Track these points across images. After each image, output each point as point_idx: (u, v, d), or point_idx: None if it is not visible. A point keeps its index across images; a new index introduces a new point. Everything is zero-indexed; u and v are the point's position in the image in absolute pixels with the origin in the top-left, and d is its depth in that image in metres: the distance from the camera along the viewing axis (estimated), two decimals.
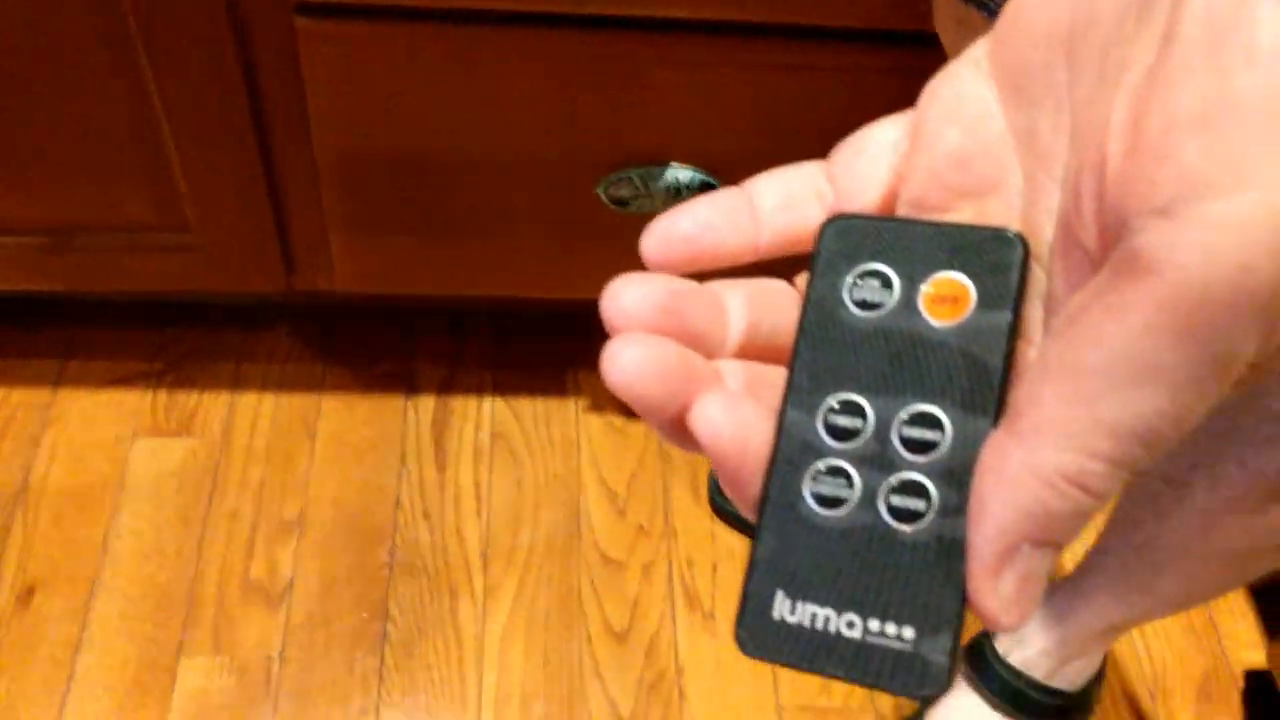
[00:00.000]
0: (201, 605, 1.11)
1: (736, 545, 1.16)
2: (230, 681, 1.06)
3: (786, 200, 0.31)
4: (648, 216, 1.04)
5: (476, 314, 1.34)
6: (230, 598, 1.11)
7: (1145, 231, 0.22)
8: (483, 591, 1.12)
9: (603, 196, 1.01)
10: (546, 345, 1.31)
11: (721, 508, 1.17)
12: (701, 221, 0.30)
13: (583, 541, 1.16)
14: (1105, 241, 0.24)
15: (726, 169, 1.00)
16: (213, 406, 1.25)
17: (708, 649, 1.10)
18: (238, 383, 1.27)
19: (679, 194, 1.00)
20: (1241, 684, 1.10)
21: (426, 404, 1.26)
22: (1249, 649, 1.13)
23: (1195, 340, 0.22)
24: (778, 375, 0.29)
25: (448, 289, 1.17)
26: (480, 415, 1.25)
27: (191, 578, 1.12)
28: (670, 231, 0.29)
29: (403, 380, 1.28)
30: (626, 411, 1.24)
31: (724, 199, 0.30)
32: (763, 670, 1.08)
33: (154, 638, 1.08)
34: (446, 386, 1.28)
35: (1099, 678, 1.02)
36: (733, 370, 0.29)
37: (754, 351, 0.30)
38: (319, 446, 1.22)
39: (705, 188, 1.00)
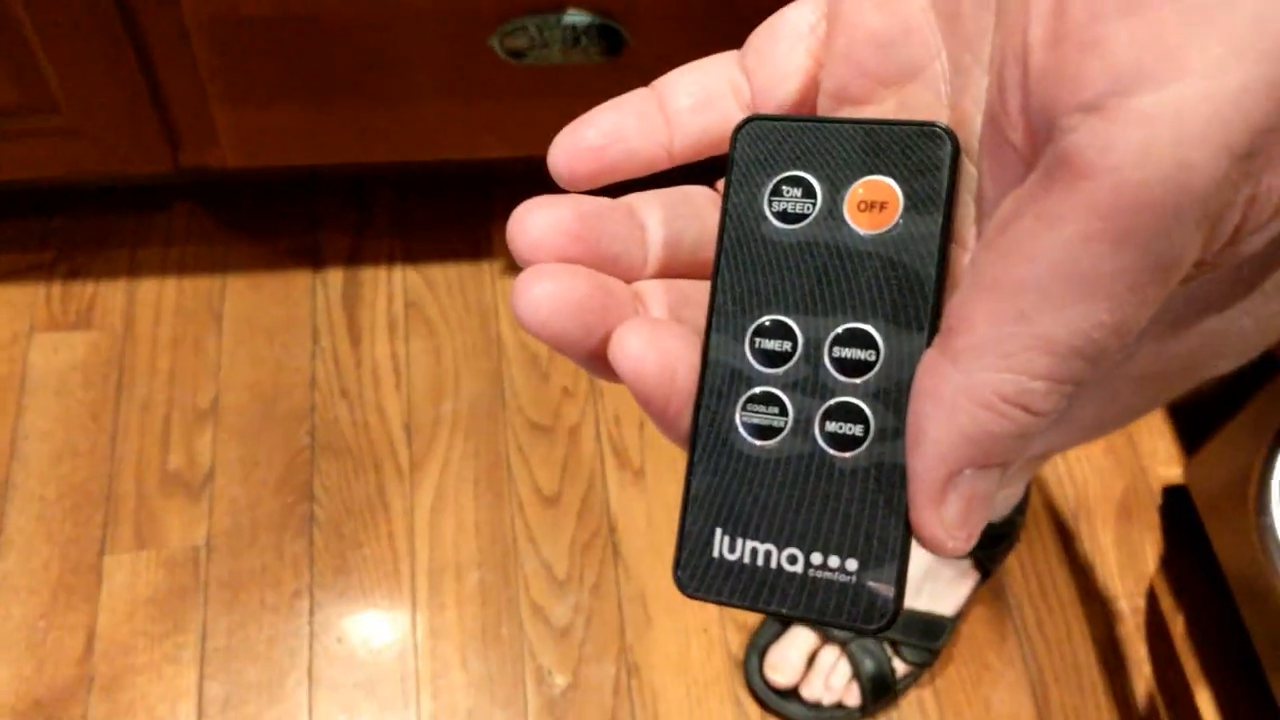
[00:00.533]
0: (121, 501, 1.08)
1: None
2: (158, 575, 1.05)
3: (700, 98, 0.28)
4: (547, 68, 0.99)
5: (380, 180, 1.29)
6: (150, 491, 1.09)
7: (1075, 131, 0.20)
8: (408, 466, 1.11)
9: (498, 49, 0.96)
10: (455, 207, 1.27)
11: None
12: (608, 130, 0.27)
13: (507, 408, 1.15)
14: (1034, 140, 0.22)
15: (626, 11, 0.95)
16: (111, 295, 1.20)
17: (639, 506, 1.10)
18: (135, 269, 1.22)
19: (578, 41, 0.95)
20: (1160, 501, 1.13)
21: (335, 278, 1.22)
22: (1167, 466, 1.16)
23: (1135, 246, 0.20)
24: (704, 293, 0.27)
25: (344, 157, 1.11)
26: (392, 286, 1.21)
27: (108, 474, 1.09)
28: (576, 144, 0.27)
29: (308, 254, 1.23)
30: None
31: (631, 102, 0.28)
32: None
33: (75, 538, 1.06)
34: (354, 258, 1.23)
35: (1023, 506, 1.04)
36: (655, 292, 0.27)
37: (678, 268, 0.28)
38: (227, 329, 1.18)
39: (606, 34, 0.95)
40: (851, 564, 0.25)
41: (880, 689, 0.99)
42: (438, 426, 1.13)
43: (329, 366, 1.16)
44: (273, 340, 1.18)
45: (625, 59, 0.97)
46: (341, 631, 1.03)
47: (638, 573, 1.07)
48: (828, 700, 0.99)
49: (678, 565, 0.26)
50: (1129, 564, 1.10)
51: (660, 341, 0.25)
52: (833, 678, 0.99)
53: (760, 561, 0.25)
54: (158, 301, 1.20)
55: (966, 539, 0.24)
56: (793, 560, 0.25)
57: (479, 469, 1.11)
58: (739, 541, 0.26)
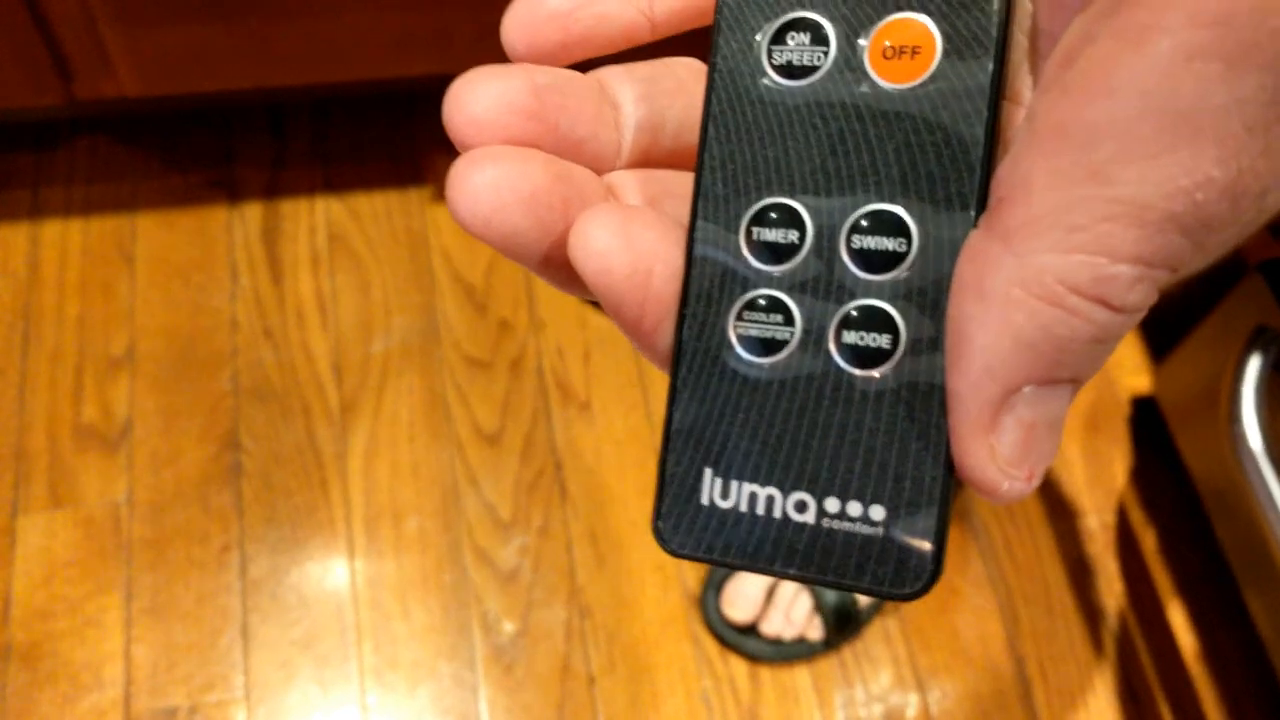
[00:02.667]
0: (33, 458, 1.01)
1: (610, 330, 1.09)
2: (76, 535, 0.98)
3: None
4: None
5: (298, 106, 1.20)
6: (63, 446, 1.02)
7: None
8: (339, 408, 1.05)
9: None
10: (379, 132, 1.19)
11: None
12: None
13: (442, 344, 1.08)
14: None
15: None
16: (13, 239, 1.12)
17: (586, 440, 1.04)
18: (37, 210, 1.14)
19: None
20: (1128, 412, 1.09)
21: (253, 211, 1.14)
22: (1135, 375, 1.11)
23: (1257, 67, 0.15)
24: (690, 184, 0.22)
25: (255, 81, 1.03)
26: (314, 217, 1.14)
27: (17, 430, 1.02)
28: (535, 9, 0.21)
29: (223, 188, 1.16)
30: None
31: None
32: (645, 454, 1.03)
33: None
34: (272, 190, 1.16)
35: None
36: (629, 184, 0.22)
37: (659, 155, 0.22)
38: (139, 271, 1.11)
39: None
40: (877, 512, 0.19)
41: (843, 620, 0.95)
42: (369, 365, 1.07)
43: (250, 307, 1.09)
44: (188, 281, 1.10)
45: None
46: (275, 586, 0.97)
47: (586, 511, 1.01)
48: (789, 634, 0.94)
49: (658, 515, 0.21)
50: (1098, 478, 1.07)
51: (633, 233, 0.20)
52: (793, 611, 0.95)
53: (761, 510, 0.20)
54: (63, 244, 1.12)
55: (1027, 478, 0.18)
56: (802, 508, 0.20)
57: (414, 408, 1.05)
58: (734, 485, 0.20)
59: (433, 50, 1.02)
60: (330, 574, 0.98)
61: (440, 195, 1.15)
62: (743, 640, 0.95)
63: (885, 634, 0.98)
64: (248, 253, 1.12)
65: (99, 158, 1.16)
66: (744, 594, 0.95)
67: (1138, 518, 1.04)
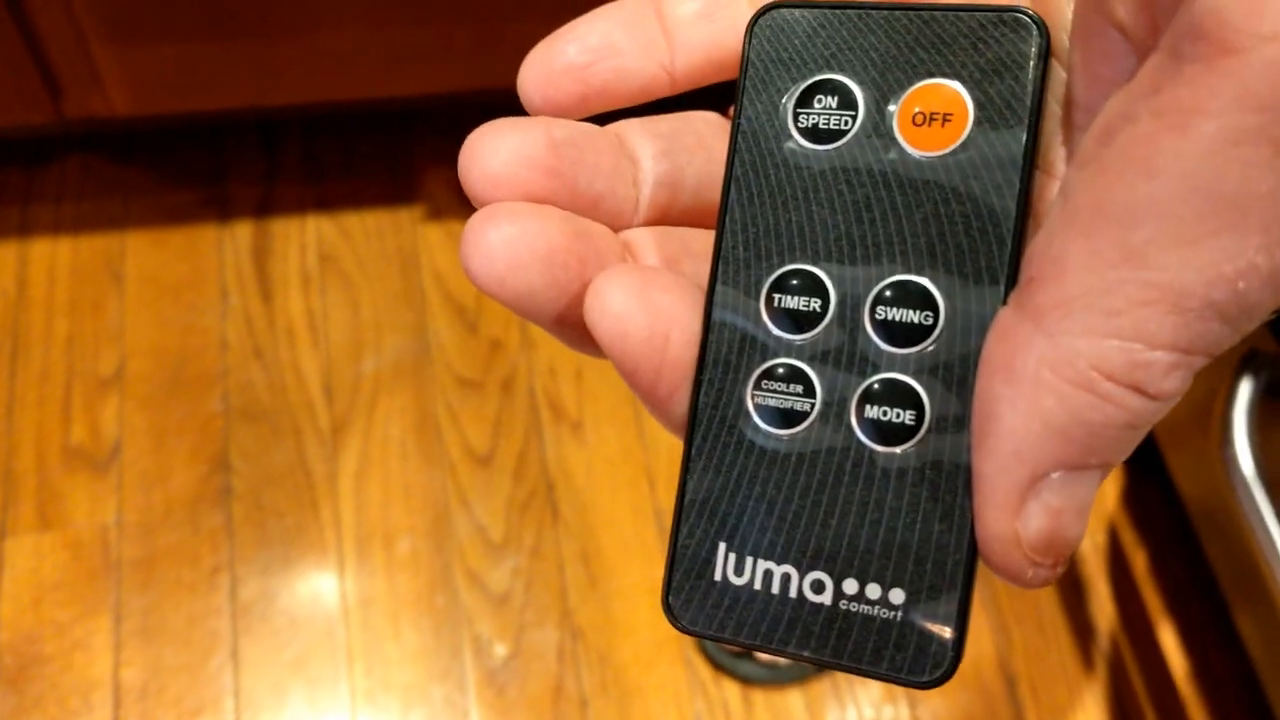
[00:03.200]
0: (20, 479, 1.01)
1: None
2: (64, 557, 0.98)
3: (708, 6, 0.22)
4: None
5: (289, 124, 1.20)
6: (52, 467, 1.01)
7: None
8: (330, 429, 1.04)
9: None
10: (371, 150, 1.19)
11: None
12: (595, 44, 0.21)
13: (434, 363, 1.08)
14: (1151, 12, 0.16)
15: None
16: (1, 257, 1.11)
17: (578, 460, 1.04)
18: (26, 228, 1.13)
19: None
20: None
21: (243, 230, 1.14)
22: None
23: None
24: (709, 242, 0.21)
25: (247, 100, 1.03)
26: (305, 236, 1.13)
27: (5, 450, 1.02)
28: (553, 61, 0.21)
29: (214, 206, 1.15)
30: (469, 215, 1.14)
31: (622, 10, 0.22)
32: (638, 474, 1.03)
33: None
34: (264, 208, 1.15)
35: None
36: (647, 242, 0.21)
37: (678, 213, 0.22)
38: (129, 289, 1.10)
39: None
40: (897, 595, 0.19)
41: None
42: (360, 385, 1.06)
43: (240, 326, 1.09)
44: (179, 300, 1.10)
45: None
46: (266, 608, 0.97)
47: (578, 532, 1.01)
48: (783, 662, 0.94)
49: (668, 590, 0.21)
50: None
51: (650, 296, 0.20)
52: None
53: (776, 589, 0.20)
54: (52, 262, 1.11)
55: (1052, 565, 0.18)
56: (819, 588, 0.19)
57: (406, 429, 1.05)
58: (748, 561, 0.20)
59: (428, 69, 1.02)
60: (321, 596, 0.97)
61: (431, 215, 1.15)
62: (736, 663, 0.95)
63: None
64: (238, 271, 1.11)
65: (89, 175, 1.16)
66: None
67: (1129, 538, 1.04)
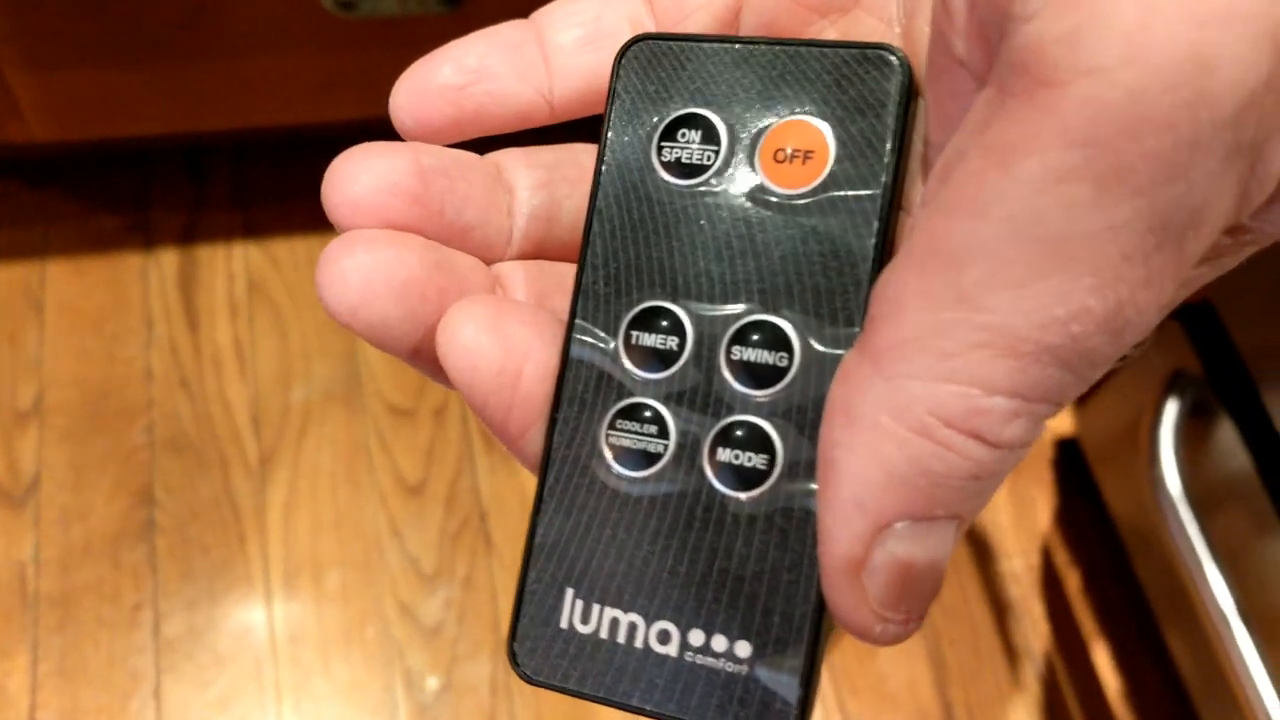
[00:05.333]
0: None
1: None
2: None
3: (590, 32, 0.21)
4: (382, 20, 0.91)
5: (216, 150, 1.18)
6: None
7: (1034, 18, 0.14)
8: (258, 460, 1.02)
9: (326, 1, 0.87)
10: (300, 177, 1.17)
11: None
12: (470, 66, 0.20)
13: (364, 392, 1.06)
14: (986, 47, 0.15)
15: None
16: None
17: (511, 490, 1.03)
18: None
19: None
20: (1052, 453, 1.11)
21: (169, 258, 1.11)
22: (1058, 417, 1.13)
23: (1129, 191, 0.14)
24: None
25: (167, 126, 1.01)
26: (232, 264, 1.11)
27: None
28: (427, 82, 0.20)
29: (138, 233, 1.13)
30: None
31: (501, 34, 0.21)
32: None
33: None
34: (190, 235, 1.13)
35: None
36: (517, 277, 0.21)
37: (553, 247, 0.21)
38: (49, 319, 1.07)
39: None
40: (743, 648, 0.18)
41: None
42: (288, 415, 1.04)
43: (166, 356, 1.06)
44: (101, 330, 1.07)
45: (469, 9, 0.89)
46: (190, 645, 0.94)
47: (512, 562, 1.00)
48: None
49: (513, 637, 0.20)
50: (1022, 520, 1.07)
51: (504, 329, 0.19)
52: None
53: (622, 638, 0.19)
54: None
55: (903, 621, 0.17)
56: (664, 638, 0.19)
57: (336, 459, 1.03)
58: (595, 609, 0.19)
59: (356, 94, 1.01)
60: (248, 631, 0.95)
61: None
62: None
63: None
64: (163, 300, 1.09)
65: (7, 202, 1.13)
66: None
67: (1061, 559, 1.05)
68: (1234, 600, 0.84)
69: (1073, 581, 1.04)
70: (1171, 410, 0.89)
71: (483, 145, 0.22)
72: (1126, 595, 1.03)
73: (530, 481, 1.01)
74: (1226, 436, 0.88)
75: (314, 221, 1.15)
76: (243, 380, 1.05)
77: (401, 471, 1.03)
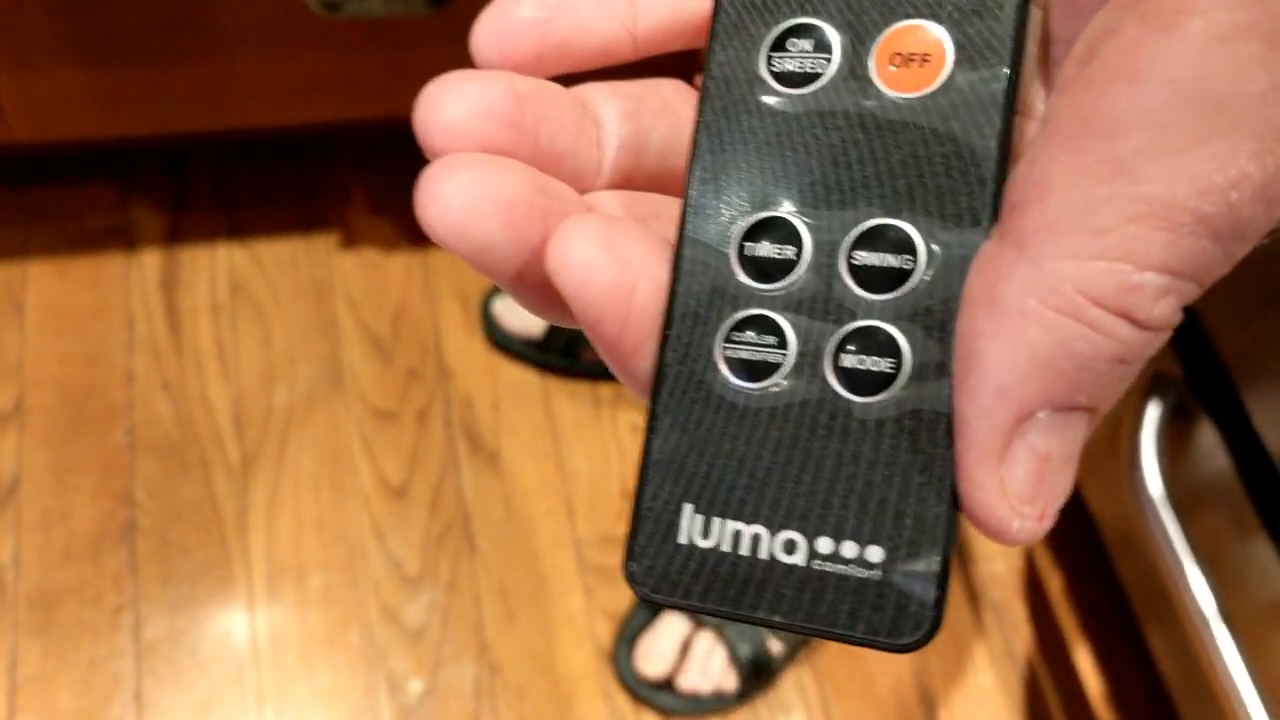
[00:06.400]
0: None
1: (520, 378, 1.08)
2: None
3: None
4: (368, 21, 0.90)
5: (199, 150, 1.18)
6: None
7: None
8: (240, 462, 1.02)
9: (311, 2, 0.87)
10: (283, 177, 1.17)
11: (501, 340, 1.08)
12: (553, 2, 0.20)
13: (347, 394, 1.06)
14: None
15: None
16: None
17: (495, 492, 1.03)
18: None
19: None
20: None
21: (151, 259, 1.11)
22: None
23: None
24: (675, 207, 0.20)
25: (149, 127, 1.01)
26: (215, 265, 1.11)
27: None
28: (509, 17, 0.20)
29: (120, 235, 1.12)
30: (384, 245, 1.12)
31: None
32: (557, 505, 1.02)
33: None
34: (172, 236, 1.12)
35: None
36: (611, 205, 0.21)
37: (642, 178, 0.21)
38: (30, 320, 1.07)
39: None
40: (875, 553, 0.18)
41: (759, 671, 0.95)
42: (271, 417, 1.04)
43: (148, 357, 1.06)
44: (83, 331, 1.06)
45: (454, 9, 0.88)
46: (171, 648, 0.94)
47: (496, 565, 0.99)
48: (705, 688, 0.93)
49: (630, 555, 0.19)
50: None
51: (617, 245, 0.19)
52: (709, 664, 0.94)
53: (746, 550, 0.18)
54: None
55: (1038, 518, 0.17)
56: (791, 548, 0.18)
57: (318, 461, 1.02)
58: (716, 523, 0.19)
59: (339, 96, 1.00)
60: (230, 634, 0.95)
61: (345, 244, 1.13)
62: (656, 695, 0.94)
63: (799, 682, 0.98)
64: (145, 301, 1.08)
65: None
66: (658, 649, 0.94)
67: (1044, 561, 1.05)
68: (1215, 601, 0.84)
69: (1055, 584, 1.04)
70: (1153, 413, 0.89)
71: (563, 83, 0.22)
72: (1108, 597, 1.03)
73: (512, 483, 1.00)
74: (1207, 439, 0.89)
75: (297, 221, 1.14)
76: (225, 382, 1.05)
77: (385, 474, 1.02)
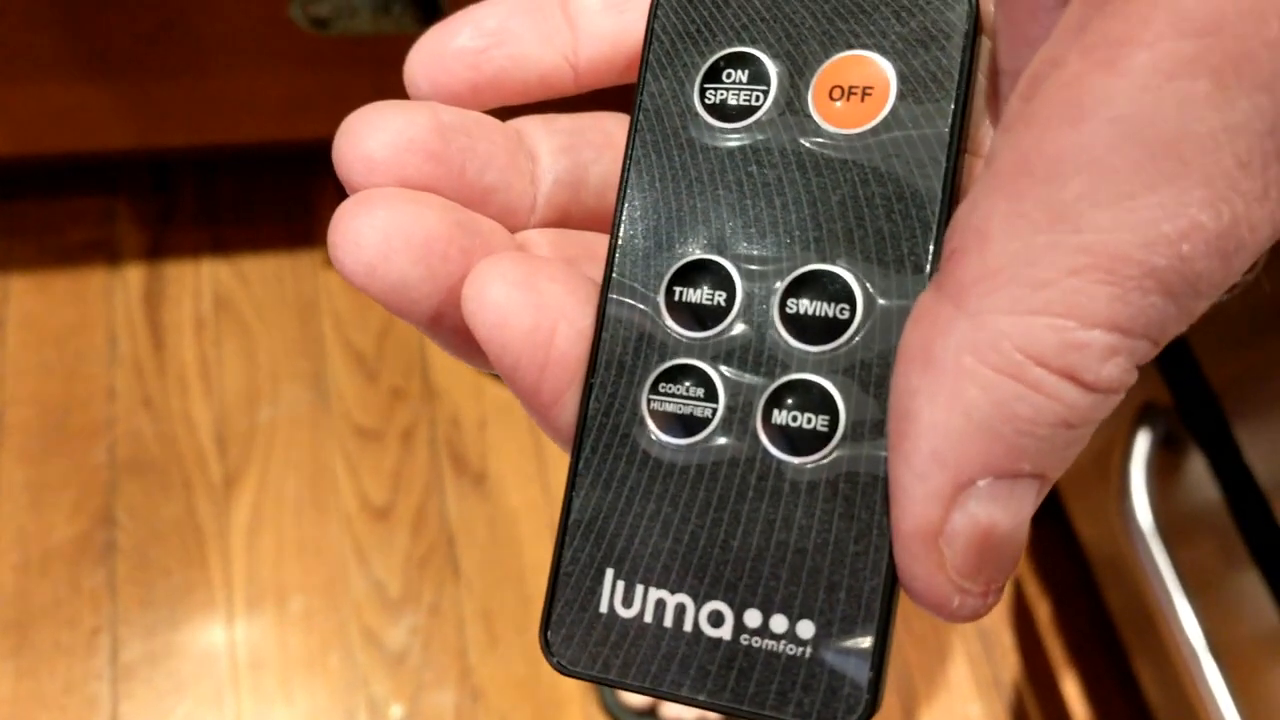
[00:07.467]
0: None
1: (507, 399, 1.07)
2: None
3: None
4: (357, 38, 0.90)
5: (184, 164, 1.16)
6: None
7: None
8: (221, 481, 1.00)
9: (299, 18, 0.86)
10: (270, 193, 1.16)
11: None
12: (490, 29, 0.19)
13: (331, 413, 1.05)
14: None
15: None
16: None
17: (479, 515, 1.02)
18: None
19: (388, 7, 0.86)
20: None
21: (134, 274, 1.10)
22: None
23: (1249, 80, 0.12)
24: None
25: (135, 141, 1.00)
26: (199, 281, 1.10)
27: None
28: (444, 45, 0.19)
29: (103, 249, 1.11)
30: None
31: None
32: (542, 529, 1.01)
33: None
34: (156, 251, 1.11)
35: None
36: (542, 244, 0.20)
37: (579, 215, 0.20)
38: (10, 335, 1.05)
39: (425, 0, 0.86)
40: (805, 628, 0.17)
41: None
42: (254, 436, 1.03)
43: (129, 374, 1.04)
44: (64, 347, 1.05)
45: None
46: (149, 671, 0.92)
47: (479, 589, 0.98)
48: (689, 716, 0.92)
49: (546, 624, 0.18)
50: None
51: (535, 284, 0.18)
52: None
53: (669, 621, 0.17)
54: None
55: (983, 593, 0.16)
56: (717, 620, 0.17)
57: (301, 481, 1.01)
58: (638, 590, 0.18)
59: (327, 112, 0.99)
60: (209, 657, 0.93)
61: (331, 261, 1.12)
62: None
63: None
64: (128, 317, 1.07)
65: None
66: None
67: (1032, 589, 1.05)
68: (1203, 632, 0.84)
69: (1043, 612, 1.04)
70: (1142, 442, 0.89)
71: (502, 117, 0.21)
72: (1096, 626, 1.03)
73: (497, 506, 0.99)
74: (1197, 468, 0.88)
75: (283, 237, 1.13)
76: (208, 400, 1.04)
77: (368, 495, 1.01)
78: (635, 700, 0.92)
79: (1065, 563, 1.06)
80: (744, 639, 0.17)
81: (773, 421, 0.17)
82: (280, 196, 1.15)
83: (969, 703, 0.99)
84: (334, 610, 0.96)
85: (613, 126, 0.21)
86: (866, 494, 0.17)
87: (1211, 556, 0.87)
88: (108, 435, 1.01)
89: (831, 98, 0.18)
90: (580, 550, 0.18)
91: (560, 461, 1.04)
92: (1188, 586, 0.84)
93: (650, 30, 0.19)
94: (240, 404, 1.04)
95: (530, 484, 1.03)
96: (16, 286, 1.08)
